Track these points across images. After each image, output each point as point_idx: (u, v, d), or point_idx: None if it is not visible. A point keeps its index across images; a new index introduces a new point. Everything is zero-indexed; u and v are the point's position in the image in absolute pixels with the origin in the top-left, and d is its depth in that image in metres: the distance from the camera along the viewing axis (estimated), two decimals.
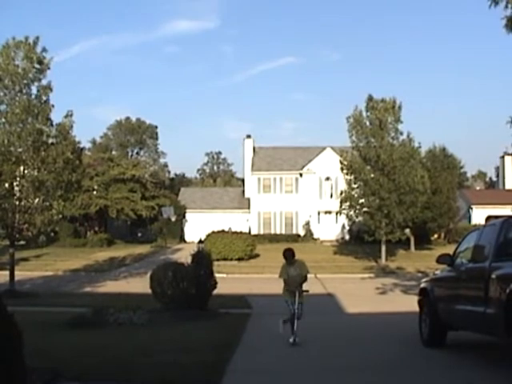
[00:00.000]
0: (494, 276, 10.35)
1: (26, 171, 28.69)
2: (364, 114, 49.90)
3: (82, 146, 35.44)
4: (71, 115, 29.59)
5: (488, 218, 12.72)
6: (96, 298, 25.76)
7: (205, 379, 9.66)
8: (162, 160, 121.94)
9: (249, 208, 75.44)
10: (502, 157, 78.29)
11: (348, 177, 51.08)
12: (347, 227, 68.08)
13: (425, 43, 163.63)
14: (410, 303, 18.07)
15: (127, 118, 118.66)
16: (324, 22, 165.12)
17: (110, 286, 33.83)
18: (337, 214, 59.57)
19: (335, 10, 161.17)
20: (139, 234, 78.78)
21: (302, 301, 16.09)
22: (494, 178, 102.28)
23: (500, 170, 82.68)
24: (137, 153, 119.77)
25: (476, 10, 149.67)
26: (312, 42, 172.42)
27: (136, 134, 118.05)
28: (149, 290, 20.45)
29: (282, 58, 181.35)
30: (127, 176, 75.49)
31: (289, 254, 16.38)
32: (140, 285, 27.52)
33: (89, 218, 73.85)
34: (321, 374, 10.74)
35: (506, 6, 19.05)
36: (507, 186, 76.37)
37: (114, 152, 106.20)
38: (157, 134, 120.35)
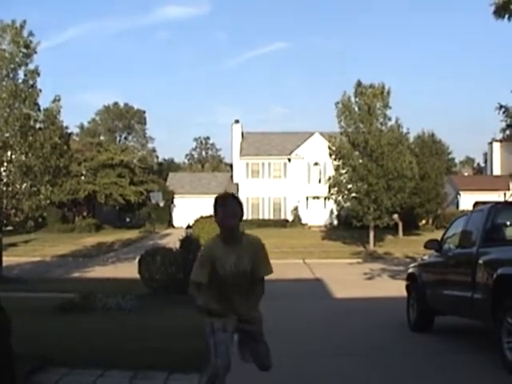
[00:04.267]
0: (481, 261, 10.40)
1: (13, 156, 28.57)
2: (353, 99, 49.96)
3: (70, 131, 35.27)
4: (59, 100, 29.47)
5: (476, 204, 12.78)
6: (84, 284, 25.76)
7: (193, 364, 9.66)
8: (150, 145, 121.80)
9: (237, 193, 75.43)
10: (490, 143, 78.50)
11: (336, 162, 51.18)
12: (335, 212, 68.20)
13: (414, 30, 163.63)
14: (397, 288, 18.15)
15: (115, 103, 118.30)
16: (316, 7, 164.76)
17: (99, 272, 33.83)
18: (325, 199, 59.77)
19: None
20: (127, 220, 78.81)
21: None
22: (482, 164, 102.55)
23: (488, 156, 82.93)
24: (125, 138, 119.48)
25: None
26: (303, 28, 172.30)
27: (124, 119, 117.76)
28: (137, 275, 20.44)
29: (273, 44, 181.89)
30: (115, 161, 75.42)
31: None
32: (128, 270, 27.52)
33: (77, 204, 73.80)
34: (307, 359, 10.77)
35: None
36: (495, 172, 76.66)
37: (102, 137, 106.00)
38: (145, 119, 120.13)
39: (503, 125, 21.94)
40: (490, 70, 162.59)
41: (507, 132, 23.88)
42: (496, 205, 11.83)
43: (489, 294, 9.85)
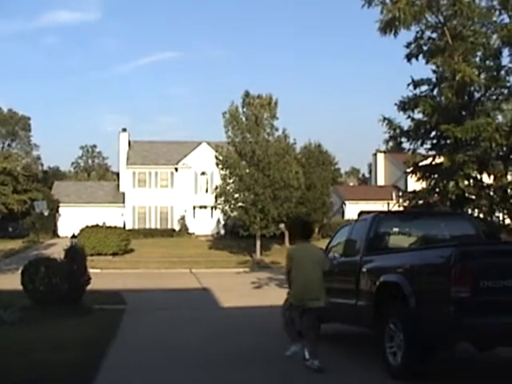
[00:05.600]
0: (364, 269, 10.65)
1: None
2: (240, 109, 50.28)
3: None
4: None
5: (361, 213, 13.05)
6: None
7: (78, 376, 9.53)
8: (34, 152, 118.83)
9: (123, 202, 74.80)
10: (375, 154, 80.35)
11: (223, 172, 51.42)
12: (222, 222, 68.44)
13: (299, 38, 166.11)
14: (284, 297, 18.30)
15: None
16: (205, 16, 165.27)
17: None
18: (212, 208, 59.80)
19: (217, 4, 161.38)
20: (10, 229, 76.63)
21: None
22: (367, 175, 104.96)
23: (372, 167, 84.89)
24: (8, 145, 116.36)
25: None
26: (191, 38, 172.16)
27: (8, 125, 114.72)
28: (20, 287, 19.95)
29: (162, 53, 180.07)
30: None
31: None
32: (11, 281, 26.83)
33: None
34: (197, 366, 10.78)
35: (382, 12, 19.96)
36: (379, 183, 78.53)
37: None
38: (30, 125, 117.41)
39: (386, 136, 22.57)
40: (376, 82, 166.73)
41: (390, 143, 24.57)
42: (379, 214, 12.12)
43: (372, 301, 10.09)
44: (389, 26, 20.47)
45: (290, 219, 52.94)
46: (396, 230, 12.14)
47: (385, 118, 22.13)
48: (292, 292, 11.14)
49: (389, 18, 20.28)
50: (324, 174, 61.51)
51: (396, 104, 21.93)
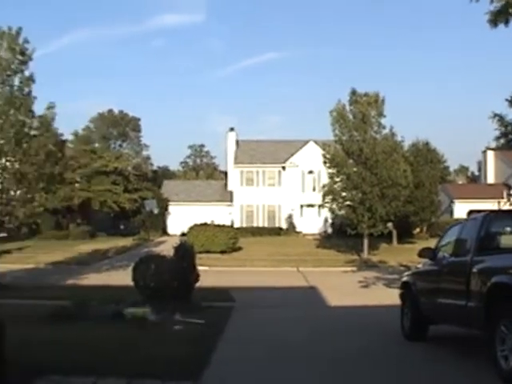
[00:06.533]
0: (475, 270, 10.41)
1: (7, 163, 28.55)
2: (347, 107, 49.95)
3: (64, 138, 35.24)
4: (53, 107, 29.45)
5: (470, 213, 12.79)
6: (78, 291, 25.65)
7: (188, 370, 9.67)
8: (144, 152, 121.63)
9: (231, 201, 75.46)
10: (484, 151, 78.54)
11: (330, 170, 51.13)
12: (330, 221, 68.15)
13: (408, 37, 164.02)
14: (392, 297, 18.13)
15: (110, 111, 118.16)
16: (309, 16, 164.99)
17: (93, 279, 33.72)
18: (319, 207, 59.64)
19: (321, 3, 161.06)
20: (122, 227, 78.52)
21: None
22: (476, 173, 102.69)
23: (482, 165, 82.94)
24: (119, 145, 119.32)
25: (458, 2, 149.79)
26: (296, 38, 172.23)
27: (119, 127, 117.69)
28: (131, 283, 20.40)
29: (268, 53, 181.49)
30: (110, 168, 75.42)
31: None
32: (122, 277, 27.45)
33: (71, 211, 73.53)
34: (302, 365, 10.77)
35: (492, 1, 19.23)
36: (489, 181, 76.69)
37: (96, 144, 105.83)
38: (140, 126, 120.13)
39: (497, 133, 22.00)
40: (485, 78, 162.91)
41: (501, 140, 23.96)
42: (490, 213, 11.85)
43: (483, 303, 9.86)
44: (500, 16, 19.68)
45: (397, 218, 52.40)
46: (508, 229, 11.82)
47: (495, 115, 21.65)
48: None
49: (500, 5, 19.52)
50: (432, 172, 60.43)
51: (507, 100, 21.29)
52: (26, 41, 28.75)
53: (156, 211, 72.15)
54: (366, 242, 50.00)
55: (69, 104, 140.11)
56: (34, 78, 28.93)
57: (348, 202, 49.86)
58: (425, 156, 61.39)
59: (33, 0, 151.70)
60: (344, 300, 23.63)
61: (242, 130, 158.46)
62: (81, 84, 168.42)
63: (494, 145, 77.98)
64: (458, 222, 14.04)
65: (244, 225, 72.33)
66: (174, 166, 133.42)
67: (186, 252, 20.53)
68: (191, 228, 51.65)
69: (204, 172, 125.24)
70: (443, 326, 12.76)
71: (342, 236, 57.41)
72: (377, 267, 42.70)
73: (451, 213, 68.82)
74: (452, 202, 69.98)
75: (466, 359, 11.32)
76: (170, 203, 76.92)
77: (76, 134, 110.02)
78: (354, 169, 49.24)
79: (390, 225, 54.60)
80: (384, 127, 50.10)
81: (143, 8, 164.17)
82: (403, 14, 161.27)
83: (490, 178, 76.91)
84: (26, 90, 28.72)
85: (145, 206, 72.27)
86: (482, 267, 10.27)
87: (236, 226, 68.70)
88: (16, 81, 28.74)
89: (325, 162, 51.54)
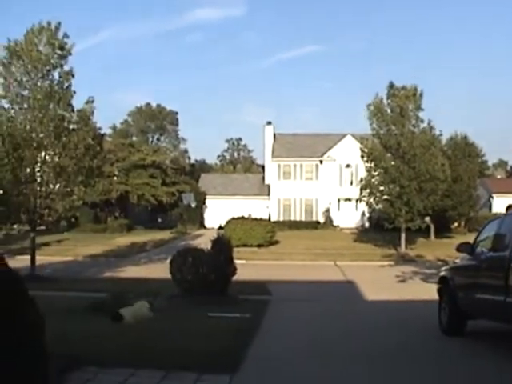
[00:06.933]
0: None
1: (47, 157, 28.86)
2: (385, 101, 49.70)
3: (102, 132, 35.47)
4: (92, 101, 29.69)
5: (509, 207, 12.72)
6: (116, 284, 25.87)
7: (224, 365, 9.70)
8: (182, 146, 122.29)
9: (269, 195, 75.55)
10: None
11: (368, 164, 50.93)
12: (367, 215, 68.07)
13: (447, 29, 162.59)
14: (429, 291, 18.03)
15: (147, 104, 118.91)
16: (346, 10, 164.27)
17: (131, 272, 34.00)
18: (357, 201, 59.39)
19: None
20: (159, 220, 79.07)
21: None
22: None
23: None
24: (157, 139, 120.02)
25: None
26: (333, 31, 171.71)
27: (156, 120, 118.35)
28: (169, 276, 20.51)
29: (305, 46, 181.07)
30: (147, 162, 75.86)
31: None
32: (160, 270, 27.63)
33: (109, 204, 74.12)
34: (339, 361, 10.76)
35: None
36: None
37: (134, 138, 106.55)
38: (177, 120, 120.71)
39: None
40: None
41: None
42: None
43: None
44: None
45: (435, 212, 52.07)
46: None
47: None
48: None
49: None
50: (470, 167, 59.95)
51: None
52: (66, 35, 29.03)
53: (193, 205, 72.45)
54: (403, 236, 49.77)
55: (107, 98, 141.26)
56: (73, 72, 29.20)
57: (385, 196, 49.66)
58: (463, 150, 60.93)
59: None
60: (381, 294, 23.56)
61: (280, 123, 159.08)
62: (118, 78, 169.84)
63: None
64: (497, 216, 13.94)
65: (281, 218, 72.40)
66: (212, 160, 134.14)
67: (223, 245, 20.58)
68: (228, 221, 51.84)
69: (241, 166, 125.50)
70: (482, 321, 12.66)
71: (379, 230, 57.27)
72: (414, 262, 42.53)
73: (490, 207, 68.32)
74: (491, 196, 69.44)
75: (505, 355, 11.22)
76: (208, 197, 77.25)
77: (114, 128, 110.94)
78: (392, 163, 49.02)
79: (427, 219, 54.29)
80: (422, 121, 49.79)
81: (180, 3, 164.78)
82: (439, 4, 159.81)
83: None
84: (66, 84, 28.99)
85: (182, 200, 72.58)
86: None
87: (273, 219, 68.81)
88: (55, 75, 29.04)
89: (362, 156, 51.36)
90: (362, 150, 51.49)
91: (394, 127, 49.13)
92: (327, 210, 73.13)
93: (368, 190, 50.70)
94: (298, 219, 73.24)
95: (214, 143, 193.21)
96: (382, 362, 10.67)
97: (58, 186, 28.97)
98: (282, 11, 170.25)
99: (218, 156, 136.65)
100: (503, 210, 13.06)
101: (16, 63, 28.43)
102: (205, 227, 73.03)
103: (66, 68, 29.15)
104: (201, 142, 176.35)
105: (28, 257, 30.11)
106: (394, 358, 11.16)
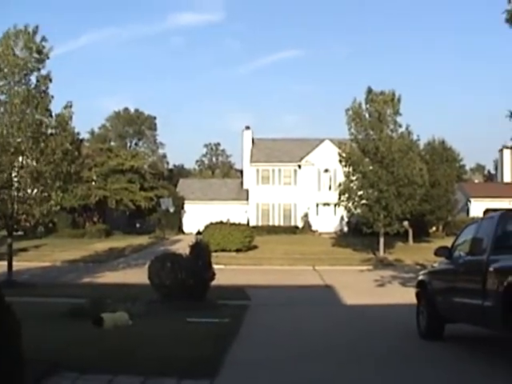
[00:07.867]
0: (491, 269, 10.37)
1: (24, 162, 28.64)
2: (363, 106, 49.87)
3: (80, 137, 35.27)
4: (71, 106, 29.50)
5: (486, 211, 12.78)
6: (94, 289, 25.78)
7: (203, 371, 9.68)
8: (160, 151, 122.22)
9: (247, 199, 75.58)
10: (501, 150, 78.38)
11: (346, 169, 51.05)
12: (346, 219, 68.26)
13: (426, 36, 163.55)
14: (408, 295, 18.09)
15: (126, 109, 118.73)
16: (327, 15, 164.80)
17: (109, 277, 33.85)
18: (335, 205, 59.61)
19: (340, 2, 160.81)
20: (138, 225, 78.80)
21: None
22: (493, 171, 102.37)
23: (498, 164, 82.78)
24: (135, 144, 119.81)
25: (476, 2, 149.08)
26: (313, 36, 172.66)
27: (134, 125, 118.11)
28: (147, 281, 20.46)
29: (285, 51, 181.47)
30: (126, 167, 75.70)
31: None
32: (138, 275, 27.55)
33: (87, 209, 73.82)
34: (317, 365, 10.76)
35: (509, 1, 19.14)
36: (505, 179, 76.51)
37: (112, 143, 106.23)
38: (155, 124, 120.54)
39: None
40: (503, 75, 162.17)
41: None
42: (507, 212, 11.80)
43: (499, 302, 9.81)
44: None
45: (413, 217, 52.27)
46: None
47: None
48: None
49: None
50: (448, 171, 60.25)
51: None
52: (44, 39, 28.84)
53: (172, 210, 72.32)
54: (381, 240, 49.91)
55: (85, 102, 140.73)
56: (51, 76, 28.99)
57: (364, 201, 49.80)
58: (441, 154, 61.25)
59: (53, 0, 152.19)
60: (360, 299, 23.60)
61: (258, 128, 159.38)
62: (97, 82, 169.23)
63: (510, 143, 77.45)
64: (475, 220, 14.00)
65: (260, 223, 72.46)
66: (190, 165, 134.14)
67: (201, 250, 20.57)
68: (207, 226, 51.82)
69: (220, 170, 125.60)
70: (461, 324, 12.71)
71: (357, 235, 57.45)
72: (393, 266, 42.67)
73: (467, 211, 68.64)
74: (468, 200, 69.78)
75: (485, 358, 11.27)
76: (186, 202, 77.16)
77: (92, 133, 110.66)
78: (370, 167, 49.20)
79: (405, 223, 54.47)
80: (400, 126, 50.03)
81: (160, 7, 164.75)
82: (419, 12, 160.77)
83: (507, 177, 76.71)
84: (43, 88, 28.79)
85: (160, 205, 72.42)
86: (499, 266, 10.22)
87: (252, 224, 68.87)
88: (33, 79, 28.86)
89: (340, 161, 51.49)
90: (340, 155, 51.62)
91: (372, 132, 49.31)
92: (306, 215, 73.24)
93: (346, 195, 50.80)
94: (276, 224, 73.34)
95: (192, 148, 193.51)
96: (359, 367, 10.70)
97: (35, 191, 28.75)
98: (260, 16, 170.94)
99: (197, 161, 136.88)
100: (481, 214, 13.19)
101: None
102: (183, 232, 72.90)
103: (44, 72, 28.97)
104: (179, 146, 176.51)
105: (5, 262, 29.91)
106: (376, 361, 11.17)
